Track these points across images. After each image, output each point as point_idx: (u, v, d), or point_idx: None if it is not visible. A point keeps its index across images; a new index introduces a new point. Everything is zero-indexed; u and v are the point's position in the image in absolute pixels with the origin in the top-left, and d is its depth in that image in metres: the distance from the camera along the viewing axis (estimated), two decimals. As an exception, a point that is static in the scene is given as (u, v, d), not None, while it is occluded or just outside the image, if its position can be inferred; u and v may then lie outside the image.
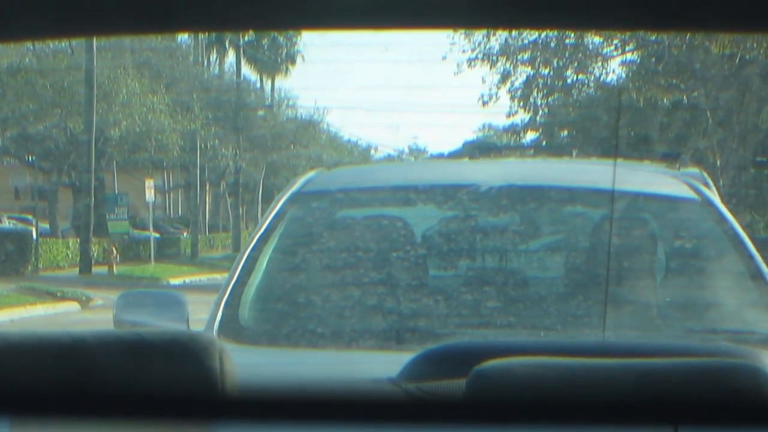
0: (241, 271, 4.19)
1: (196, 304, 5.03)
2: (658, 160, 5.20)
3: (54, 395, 2.10)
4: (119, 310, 4.39)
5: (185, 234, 59.08)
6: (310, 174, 4.82)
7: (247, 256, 4.25)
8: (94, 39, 36.04)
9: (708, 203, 4.50)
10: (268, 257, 4.28)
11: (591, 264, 4.19)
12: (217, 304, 4.07)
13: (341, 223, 4.46)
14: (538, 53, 40.11)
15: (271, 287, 4.24)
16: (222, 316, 4.01)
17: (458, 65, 41.14)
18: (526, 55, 40.43)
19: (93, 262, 41.77)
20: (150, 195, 45.62)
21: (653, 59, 36.59)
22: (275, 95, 68.81)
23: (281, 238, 4.37)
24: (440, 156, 6.24)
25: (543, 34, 38.35)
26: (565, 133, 44.48)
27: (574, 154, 5.83)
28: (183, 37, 55.80)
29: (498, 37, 39.43)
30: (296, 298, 4.08)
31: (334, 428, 2.16)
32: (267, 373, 3.47)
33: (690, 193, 4.57)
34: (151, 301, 4.49)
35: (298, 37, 71.56)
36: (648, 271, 4.26)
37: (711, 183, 4.91)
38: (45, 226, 51.73)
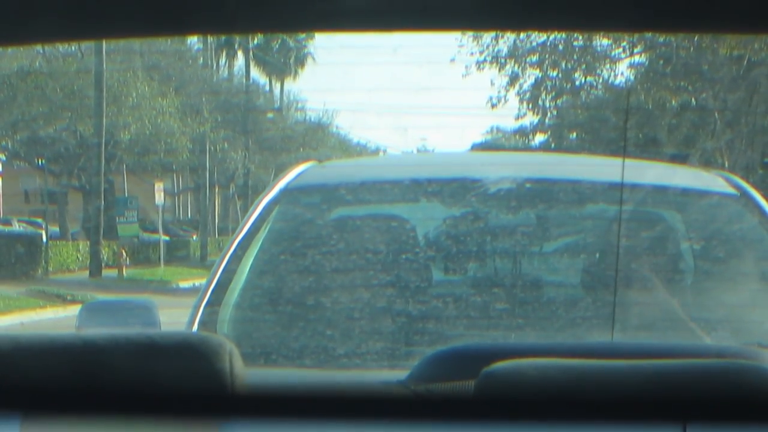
0: (221, 274, 3.88)
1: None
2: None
3: (64, 395, 2.10)
4: (81, 324, 4.05)
5: (194, 237, 59.09)
6: (302, 167, 4.39)
7: (229, 258, 3.93)
8: (104, 42, 36.06)
9: (749, 199, 4.13)
10: (252, 259, 3.95)
11: (611, 266, 3.81)
12: (196, 308, 3.81)
13: (336, 222, 4.09)
14: (547, 56, 40.11)
15: (254, 293, 3.91)
16: (200, 322, 3.74)
17: (467, 68, 41.18)
18: (535, 58, 40.42)
19: (103, 265, 41.79)
20: (159, 198, 45.63)
21: (661, 61, 36.54)
22: (284, 98, 68.86)
23: (268, 237, 4.03)
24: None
25: (551, 37, 38.33)
26: (574, 135, 44.43)
27: None
28: (192, 40, 55.80)
29: (506, 40, 39.46)
30: (282, 306, 3.79)
31: (344, 429, 2.16)
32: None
33: (727, 188, 4.21)
34: (116, 311, 4.17)
35: (308, 41, 71.59)
36: (673, 271, 3.98)
37: None
38: (55, 229, 51.75)
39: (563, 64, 40.41)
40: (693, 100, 35.98)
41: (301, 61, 73.67)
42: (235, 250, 3.98)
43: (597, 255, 4.08)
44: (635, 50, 38.51)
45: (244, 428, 2.23)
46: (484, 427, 2.27)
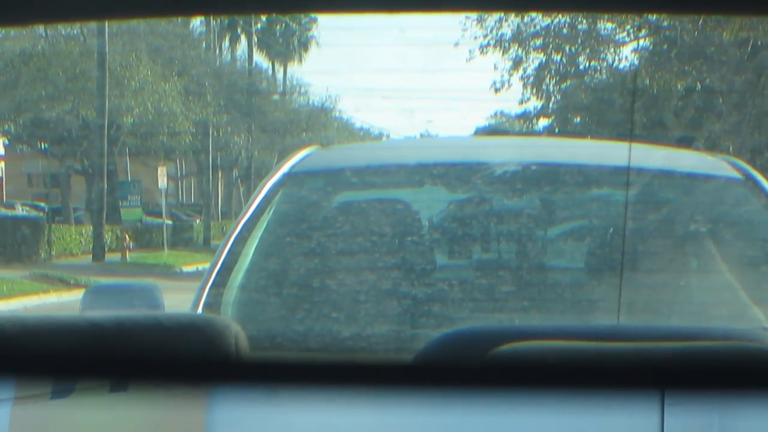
0: (226, 256, 3.87)
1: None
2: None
3: (71, 375, 2.10)
4: (85, 307, 4.02)
5: (198, 221, 59.19)
6: (305, 152, 4.39)
7: (234, 240, 3.92)
8: (107, 24, 36.01)
9: (753, 183, 4.13)
10: (257, 242, 3.95)
11: (617, 249, 3.82)
12: (201, 290, 3.80)
13: (341, 205, 4.09)
14: (551, 39, 40.04)
15: (259, 277, 3.91)
16: (205, 304, 3.73)
17: (470, 52, 41.11)
18: (539, 42, 40.36)
19: (106, 249, 41.83)
20: (163, 182, 45.64)
21: (666, 45, 36.48)
22: (287, 82, 68.86)
23: (272, 220, 4.02)
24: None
25: (555, 21, 38.27)
26: (578, 119, 44.41)
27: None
28: (195, 24, 55.81)
29: (510, 23, 39.41)
30: (287, 288, 3.78)
31: (347, 399, 2.16)
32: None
33: (732, 172, 4.20)
34: (120, 295, 4.15)
35: (312, 24, 71.57)
36: (678, 256, 3.93)
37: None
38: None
39: (567, 48, 40.34)
40: (698, 83, 35.93)
41: (304, 45, 73.67)
42: (240, 232, 3.97)
43: (602, 238, 4.06)
44: (639, 34, 38.43)
45: (245, 396, 2.24)
46: (489, 409, 2.27)
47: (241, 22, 64.18)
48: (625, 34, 38.93)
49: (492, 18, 38.34)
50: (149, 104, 45.62)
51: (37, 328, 2.19)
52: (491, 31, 39.72)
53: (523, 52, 40.59)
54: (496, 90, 41.41)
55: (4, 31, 39.81)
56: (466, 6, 2.20)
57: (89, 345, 2.13)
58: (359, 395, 2.15)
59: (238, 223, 4.03)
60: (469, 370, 2.45)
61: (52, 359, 2.05)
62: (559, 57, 40.81)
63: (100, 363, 2.05)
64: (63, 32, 44.80)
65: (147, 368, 2.04)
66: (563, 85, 42.15)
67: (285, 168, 4.22)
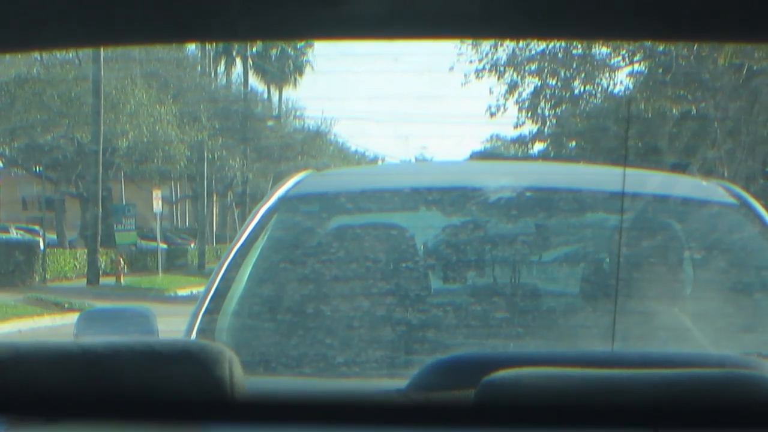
0: (220, 282, 3.86)
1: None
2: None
3: (64, 403, 2.10)
4: (79, 332, 4.02)
5: (193, 245, 59.11)
6: (300, 176, 4.38)
7: (227, 266, 3.91)
8: (102, 49, 36.06)
9: (749, 208, 4.12)
10: (251, 267, 3.94)
11: (611, 275, 3.82)
12: (194, 316, 3.79)
13: (335, 230, 4.09)
14: (546, 64, 40.16)
15: (253, 303, 3.89)
16: (198, 330, 3.72)
17: (466, 76, 41.16)
18: (534, 66, 40.47)
19: (101, 272, 41.76)
20: (157, 205, 45.60)
21: (661, 70, 36.56)
22: (283, 106, 68.91)
23: (266, 246, 4.02)
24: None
25: (550, 45, 38.37)
26: (573, 143, 44.46)
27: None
28: (191, 48, 55.83)
29: (505, 48, 39.51)
30: (281, 314, 3.77)
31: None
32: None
33: (726, 197, 4.21)
34: (114, 319, 4.13)
35: (307, 49, 71.66)
36: (673, 281, 3.94)
37: None
38: (52, 236, 51.73)
39: (562, 73, 40.46)
40: (693, 109, 35.98)
41: (299, 69, 73.74)
42: (233, 258, 3.97)
43: (596, 264, 4.07)
44: (635, 59, 38.54)
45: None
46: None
47: (237, 46, 64.21)
48: (620, 58, 39.05)
49: (487, 42, 38.45)
50: (144, 127, 45.63)
51: (29, 355, 2.18)
52: (486, 56, 39.87)
53: (519, 77, 40.72)
54: (492, 114, 41.53)
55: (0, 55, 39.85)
56: (460, 33, 2.21)
57: (82, 373, 2.13)
58: (353, 427, 2.15)
59: (232, 249, 4.02)
60: (463, 397, 2.45)
61: (45, 387, 2.05)
62: (554, 81, 40.92)
63: (93, 392, 2.05)
64: (58, 56, 44.80)
65: (140, 397, 2.04)
66: (558, 110, 42.23)
67: (279, 193, 4.22)
